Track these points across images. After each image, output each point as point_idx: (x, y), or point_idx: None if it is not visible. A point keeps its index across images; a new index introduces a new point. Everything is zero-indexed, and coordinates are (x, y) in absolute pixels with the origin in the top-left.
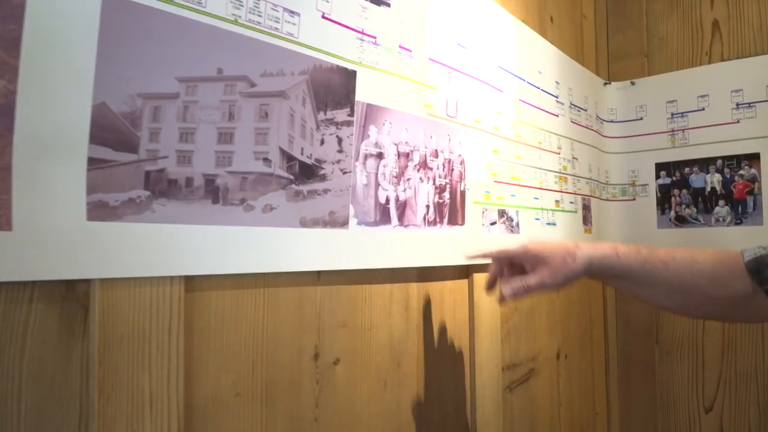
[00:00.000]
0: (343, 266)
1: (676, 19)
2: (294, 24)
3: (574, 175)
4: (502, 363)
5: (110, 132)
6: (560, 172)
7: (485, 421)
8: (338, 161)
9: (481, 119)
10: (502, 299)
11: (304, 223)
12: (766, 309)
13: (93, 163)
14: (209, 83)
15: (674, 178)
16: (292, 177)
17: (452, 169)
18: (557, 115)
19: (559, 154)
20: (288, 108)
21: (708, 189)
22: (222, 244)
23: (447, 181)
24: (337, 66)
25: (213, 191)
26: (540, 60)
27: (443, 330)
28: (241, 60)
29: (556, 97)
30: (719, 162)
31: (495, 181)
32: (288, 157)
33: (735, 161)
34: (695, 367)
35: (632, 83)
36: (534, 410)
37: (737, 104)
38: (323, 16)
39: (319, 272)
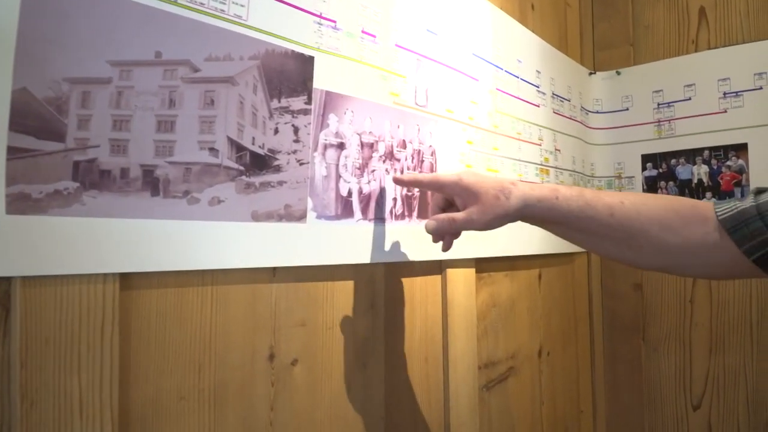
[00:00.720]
0: (301, 262)
1: (662, 6)
2: (242, 5)
3: (556, 167)
4: (479, 361)
5: (33, 119)
6: (542, 164)
7: (460, 422)
8: (294, 152)
9: (454, 109)
10: (444, 246)
11: (256, 217)
12: (737, 268)
13: (13, 152)
14: (146, 68)
15: (661, 170)
16: (242, 168)
17: (422, 161)
18: (538, 106)
19: (540, 145)
20: (237, 95)
21: (695, 181)
22: (163, 240)
23: (417, 172)
24: (292, 51)
25: (152, 183)
26: (519, 48)
27: (413, 328)
28: (182, 43)
29: (537, 87)
30: (706, 153)
31: None
32: (237, 147)
33: (722, 152)
34: (683, 364)
35: (618, 73)
36: (514, 409)
37: (724, 93)
38: None
39: (274, 269)
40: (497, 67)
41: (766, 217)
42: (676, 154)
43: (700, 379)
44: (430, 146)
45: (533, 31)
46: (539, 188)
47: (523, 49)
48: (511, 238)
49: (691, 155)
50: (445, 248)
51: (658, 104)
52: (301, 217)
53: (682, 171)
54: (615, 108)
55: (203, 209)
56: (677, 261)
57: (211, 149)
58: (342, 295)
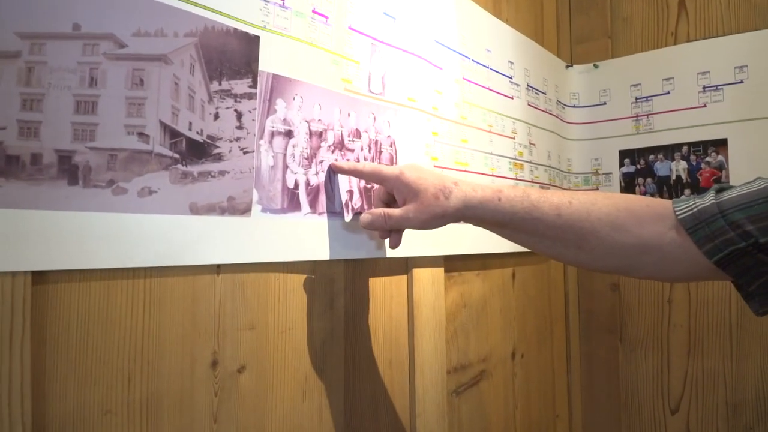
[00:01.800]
0: (245, 259)
1: None
2: None
3: (531, 162)
4: (448, 365)
5: None
6: (515, 159)
7: (428, 429)
8: (237, 139)
9: (417, 98)
10: (391, 243)
11: (195, 210)
12: (696, 269)
13: None
14: (62, 41)
15: (639, 166)
16: (177, 156)
17: (380, 152)
18: (512, 97)
19: (513, 138)
20: (171, 75)
21: (673, 177)
22: (83, 234)
23: (361, 162)
24: (235, 29)
25: (70, 170)
26: (488, 38)
27: (377, 330)
28: (105, 15)
29: (510, 78)
30: (685, 149)
31: (435, 166)
32: (171, 133)
33: (701, 148)
34: (660, 366)
35: (595, 66)
36: (486, 414)
37: (704, 87)
38: None
39: (218, 266)
40: (463, 56)
41: (728, 216)
42: (654, 149)
43: (678, 382)
44: (389, 136)
45: (507, 22)
46: (482, 189)
47: (493, 38)
48: (482, 234)
49: (669, 151)
50: (392, 245)
51: (636, 98)
52: (246, 210)
53: (661, 167)
54: (592, 102)
55: (131, 200)
56: (631, 262)
57: (141, 134)
58: (296, 296)
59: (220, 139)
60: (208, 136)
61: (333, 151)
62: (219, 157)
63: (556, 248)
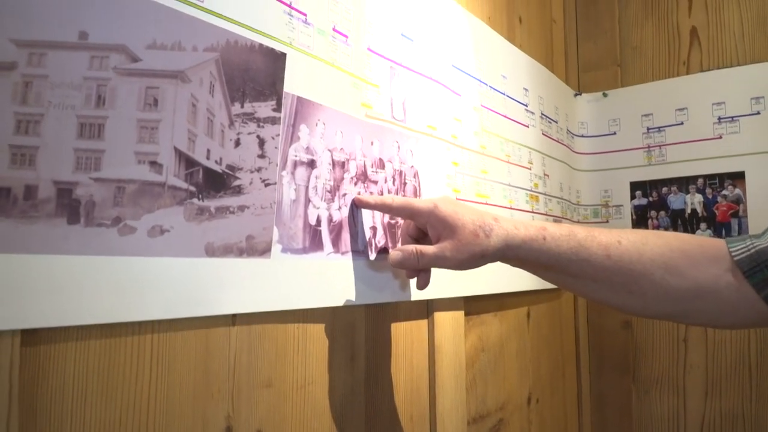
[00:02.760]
0: (264, 307)
1: (651, 26)
2: None
3: (545, 194)
4: (468, 415)
5: None
6: (531, 191)
7: None
8: (259, 169)
9: (437, 125)
10: (419, 283)
11: (211, 252)
12: (753, 315)
13: None
14: (66, 51)
15: (651, 199)
16: (193, 188)
17: (404, 183)
18: (527, 126)
19: (530, 169)
20: (188, 95)
21: (688, 211)
22: (83, 282)
23: (390, 195)
24: (260, 45)
25: (70, 206)
26: (503, 63)
27: (398, 382)
28: (117, 23)
29: (526, 106)
30: (700, 181)
31: (458, 199)
32: (188, 162)
33: (717, 180)
34: (676, 409)
35: (604, 95)
36: None
37: (719, 118)
38: None
39: (234, 316)
40: (481, 81)
41: None
42: (667, 182)
43: (695, 425)
44: (412, 166)
45: (520, 47)
46: (525, 227)
47: (508, 64)
48: (499, 272)
49: (684, 183)
50: (420, 285)
51: (648, 128)
52: (265, 251)
53: (675, 200)
54: (601, 132)
55: (141, 242)
56: (685, 307)
57: (153, 163)
58: (316, 346)
59: (241, 169)
60: (228, 166)
61: (356, 183)
62: (239, 190)
63: (603, 292)
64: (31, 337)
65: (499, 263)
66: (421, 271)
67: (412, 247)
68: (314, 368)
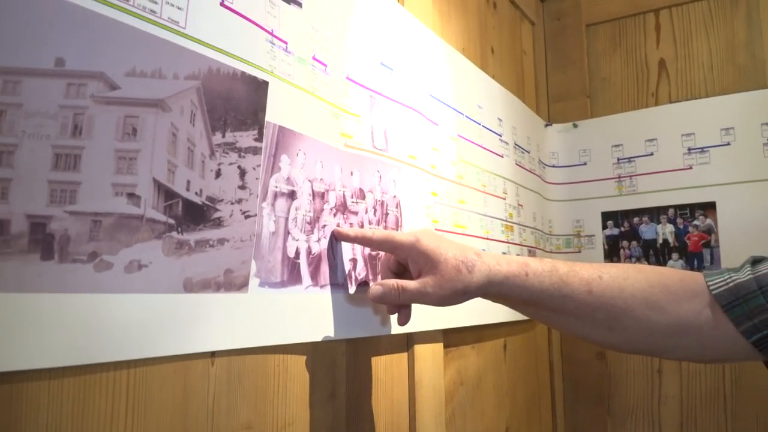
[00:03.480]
0: (242, 344)
1: (619, 58)
2: (180, 9)
3: (519, 224)
4: None
5: None
6: (507, 221)
7: None
8: (240, 200)
9: (417, 155)
10: (399, 319)
11: (189, 287)
12: (734, 349)
13: None
14: (41, 79)
15: (623, 229)
16: (172, 221)
17: (386, 213)
18: (502, 156)
19: (505, 199)
20: (168, 124)
21: (660, 241)
22: (57, 322)
23: (381, 228)
24: (243, 73)
25: (44, 241)
26: (478, 93)
27: (379, 418)
28: (95, 50)
29: (500, 136)
30: (671, 211)
31: (437, 230)
32: (167, 194)
33: (688, 211)
34: None
35: (574, 125)
36: None
37: (689, 149)
38: (222, 4)
39: (212, 353)
40: (457, 111)
41: (767, 293)
42: (639, 212)
43: None
44: (395, 196)
45: (493, 77)
46: (507, 262)
47: (483, 94)
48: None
49: (655, 213)
50: (401, 321)
51: (618, 159)
52: (242, 285)
53: (646, 230)
54: (572, 162)
55: (117, 277)
56: (666, 343)
57: (131, 195)
58: (296, 384)
59: (221, 201)
60: (208, 198)
61: (335, 214)
62: (219, 223)
63: (585, 328)
64: (1, 379)
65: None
66: (402, 307)
67: (393, 282)
68: (294, 408)
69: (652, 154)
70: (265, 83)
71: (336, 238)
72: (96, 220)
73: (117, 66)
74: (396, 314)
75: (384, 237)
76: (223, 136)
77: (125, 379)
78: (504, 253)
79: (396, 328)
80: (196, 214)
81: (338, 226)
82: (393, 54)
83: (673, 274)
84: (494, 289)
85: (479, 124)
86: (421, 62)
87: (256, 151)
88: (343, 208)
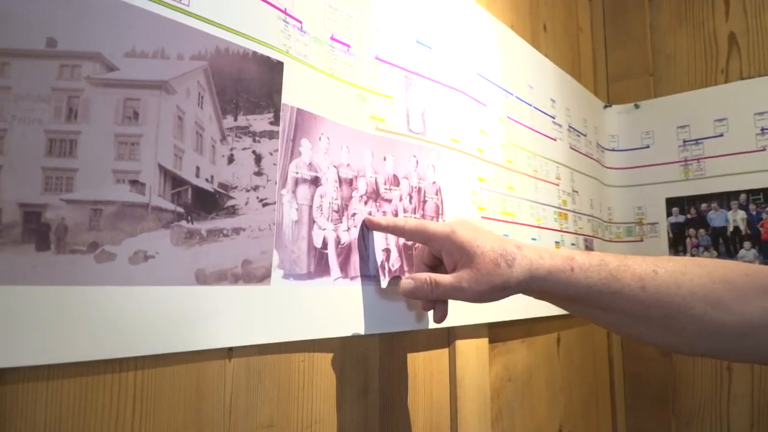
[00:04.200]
0: (263, 339)
1: (685, 32)
2: None
3: (574, 212)
4: None
5: None
6: (560, 208)
7: None
8: (256, 187)
9: (460, 138)
10: (435, 316)
11: (202, 279)
12: None
13: None
14: (32, 60)
15: (689, 216)
16: (181, 210)
17: (424, 201)
18: (555, 139)
19: (558, 185)
20: (173, 107)
21: (730, 228)
22: (55, 316)
23: (417, 216)
24: (254, 53)
25: (39, 231)
26: (530, 72)
27: (416, 417)
28: (90, 29)
29: (553, 118)
30: (743, 197)
31: (483, 218)
32: (174, 180)
33: (762, 196)
34: None
35: (636, 106)
36: None
37: (762, 129)
38: None
39: (230, 349)
40: (507, 91)
41: None
42: (707, 197)
43: None
44: (434, 183)
45: (546, 55)
46: (550, 256)
47: (535, 73)
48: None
49: (725, 199)
50: (437, 318)
51: (684, 141)
52: (264, 277)
53: (715, 217)
54: (634, 145)
55: (121, 269)
56: (730, 346)
57: (134, 183)
58: (323, 380)
59: (235, 188)
60: (220, 185)
61: (366, 202)
62: (233, 211)
63: (638, 328)
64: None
65: None
66: (437, 302)
67: (425, 276)
68: (322, 405)
69: (721, 135)
70: (280, 63)
71: (367, 227)
72: (96, 209)
73: (115, 46)
74: (431, 311)
75: (417, 227)
76: (235, 120)
77: (132, 376)
78: (557, 243)
79: (434, 323)
80: (207, 202)
81: (370, 214)
82: (431, 31)
83: (737, 268)
84: (536, 285)
85: (530, 105)
86: (466, 39)
87: (272, 135)
88: (375, 195)
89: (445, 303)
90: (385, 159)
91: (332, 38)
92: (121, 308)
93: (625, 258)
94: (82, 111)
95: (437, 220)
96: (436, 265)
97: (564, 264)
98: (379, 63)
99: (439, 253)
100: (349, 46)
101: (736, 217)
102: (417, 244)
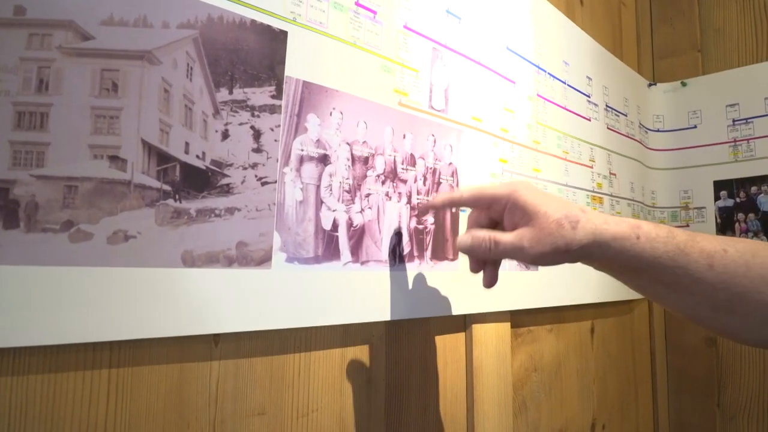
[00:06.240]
0: (260, 326)
1: (734, 5)
2: None
3: (611, 195)
4: None
5: None
6: (594, 192)
7: None
8: (254, 165)
9: (483, 117)
10: (486, 280)
11: (189, 261)
12: None
13: None
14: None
15: (738, 200)
16: (167, 188)
17: (438, 183)
18: (589, 119)
19: (592, 168)
20: (158, 79)
21: None
22: (24, 297)
23: (428, 199)
24: (252, 21)
25: (7, 208)
26: (566, 48)
27: (427, 408)
28: None
29: (588, 97)
30: None
31: None
32: (160, 156)
33: None
34: None
35: (683, 84)
36: None
37: None
38: None
39: (216, 336)
40: (539, 68)
41: None
42: (757, 180)
43: None
44: (450, 164)
45: (582, 30)
46: (615, 222)
47: (571, 49)
48: (556, 283)
49: None
50: (487, 283)
51: (734, 120)
52: (264, 260)
53: (766, 201)
54: (680, 125)
55: (98, 249)
56: None
57: (114, 158)
58: (323, 367)
59: (230, 165)
60: (213, 162)
61: (383, 182)
62: (227, 190)
63: (701, 309)
64: None
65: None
66: (488, 265)
67: (485, 233)
68: (320, 393)
69: None
70: (284, 33)
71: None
72: (71, 186)
73: (90, 14)
74: (452, 291)
75: (476, 192)
76: (230, 93)
77: (107, 361)
78: None
79: (448, 310)
80: (198, 180)
81: (387, 195)
82: (461, 0)
83: None
84: (599, 251)
85: (564, 83)
86: (497, 10)
87: (273, 109)
88: (392, 175)
89: (496, 266)
90: (404, 137)
91: (357, 4)
92: (96, 290)
93: (695, 234)
94: (54, 82)
95: None
96: (489, 226)
97: (630, 231)
98: (407, 33)
99: (500, 214)
100: (375, 12)
101: None
102: (430, 226)
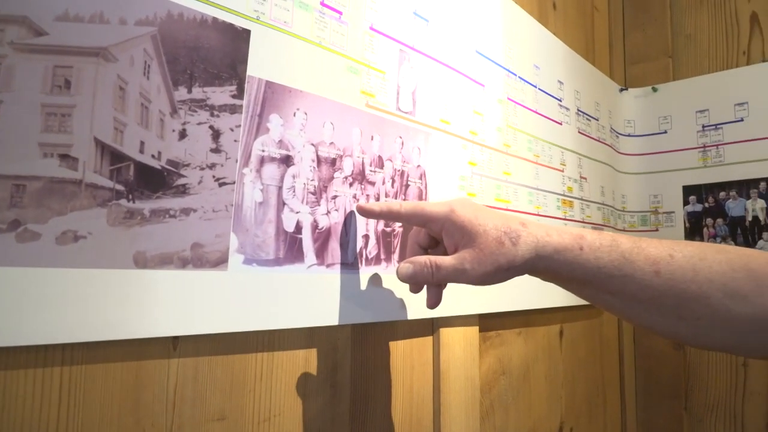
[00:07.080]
0: (216, 329)
1: (706, 12)
2: None
3: (582, 199)
4: None
5: None
6: (564, 195)
7: None
8: (212, 165)
9: (451, 119)
10: (429, 301)
11: (141, 263)
12: None
13: None
14: None
15: (707, 205)
16: (120, 187)
17: (406, 185)
18: (560, 123)
19: (562, 171)
20: (113, 77)
21: (749, 218)
22: None
23: (392, 200)
24: (214, 19)
25: None
26: (537, 52)
27: (393, 410)
28: None
29: (560, 101)
30: (763, 185)
31: None
32: (113, 155)
33: None
34: None
35: (654, 89)
36: None
37: None
38: None
39: (175, 339)
40: (509, 71)
41: None
42: (725, 185)
43: None
44: (419, 166)
45: (555, 35)
46: (558, 233)
47: (542, 53)
48: (525, 287)
49: (744, 187)
50: (431, 304)
51: (703, 126)
52: (220, 262)
53: (734, 206)
54: (650, 130)
55: (46, 249)
56: (745, 339)
57: (64, 157)
58: (285, 371)
59: (187, 165)
60: (169, 161)
61: (351, 184)
62: (183, 190)
63: (650, 316)
64: None
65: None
66: (430, 287)
67: (425, 259)
68: (282, 398)
69: (742, 120)
70: (246, 32)
71: (360, 214)
72: (18, 185)
73: (44, 9)
74: (418, 294)
75: (413, 209)
76: (189, 92)
77: (59, 364)
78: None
79: (415, 314)
80: (153, 180)
81: (355, 197)
82: (429, 2)
83: (760, 257)
84: (542, 264)
85: (535, 86)
86: (466, 13)
87: (234, 109)
88: (360, 177)
89: (440, 287)
90: (372, 138)
91: (322, 4)
92: (45, 291)
93: (640, 240)
94: (4, 79)
95: None
96: (431, 246)
97: (572, 242)
98: (374, 34)
99: (438, 234)
100: (341, 13)
101: (756, 207)
102: (397, 228)
